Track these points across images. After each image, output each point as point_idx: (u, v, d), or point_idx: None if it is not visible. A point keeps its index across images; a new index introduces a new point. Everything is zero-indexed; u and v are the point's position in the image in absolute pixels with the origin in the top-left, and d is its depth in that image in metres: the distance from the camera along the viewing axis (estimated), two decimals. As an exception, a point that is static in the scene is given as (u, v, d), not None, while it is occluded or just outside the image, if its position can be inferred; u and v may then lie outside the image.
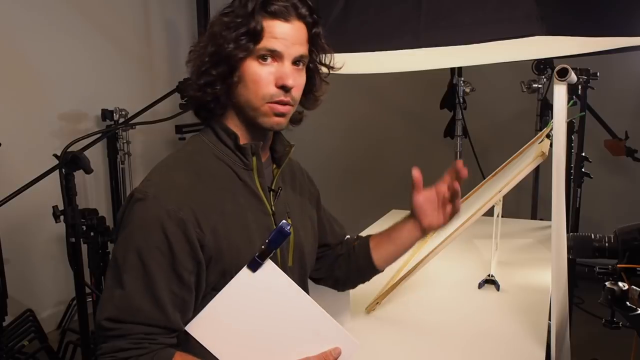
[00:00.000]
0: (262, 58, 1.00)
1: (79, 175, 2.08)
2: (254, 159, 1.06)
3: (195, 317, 0.98)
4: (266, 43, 0.99)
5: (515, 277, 1.82)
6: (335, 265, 1.33)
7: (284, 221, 0.98)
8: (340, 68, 1.15)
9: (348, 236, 1.40)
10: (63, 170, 2.00)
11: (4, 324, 2.53)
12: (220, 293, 0.97)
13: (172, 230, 0.93)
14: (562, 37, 1.48)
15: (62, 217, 2.09)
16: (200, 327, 0.98)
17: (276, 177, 1.12)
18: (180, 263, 0.94)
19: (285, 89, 1.01)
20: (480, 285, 1.74)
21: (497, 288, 1.72)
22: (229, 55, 0.99)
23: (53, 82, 3.23)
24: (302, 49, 1.03)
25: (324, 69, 1.14)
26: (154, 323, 0.94)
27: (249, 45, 0.99)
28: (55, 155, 2.04)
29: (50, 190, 2.32)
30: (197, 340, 0.97)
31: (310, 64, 1.09)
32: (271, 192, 1.10)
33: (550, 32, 1.40)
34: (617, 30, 1.49)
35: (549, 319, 1.46)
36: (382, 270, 1.33)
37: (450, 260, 1.98)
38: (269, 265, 0.98)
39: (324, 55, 1.11)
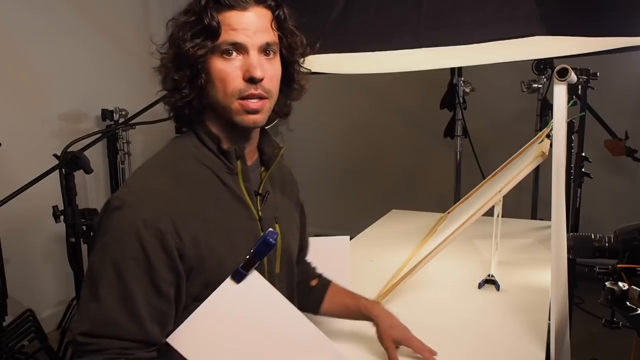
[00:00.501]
0: (226, 53, 0.95)
1: (79, 175, 2.08)
2: (239, 162, 1.02)
3: (177, 329, 0.94)
4: (226, 37, 0.94)
5: (515, 277, 1.82)
6: None
7: (270, 230, 0.96)
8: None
9: (310, 262, 1.38)
10: (63, 170, 2.00)
11: (4, 324, 2.53)
12: (203, 304, 0.94)
13: (149, 240, 0.89)
14: (562, 37, 1.48)
15: (62, 217, 2.09)
16: (182, 339, 0.94)
17: (264, 180, 1.08)
18: (158, 274, 0.90)
19: (253, 81, 0.95)
20: (480, 286, 1.74)
21: (497, 288, 1.72)
22: (189, 56, 0.95)
23: (53, 82, 3.23)
24: (267, 36, 0.97)
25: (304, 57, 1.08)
26: (131, 337, 0.90)
27: (207, 42, 0.94)
28: (55, 155, 2.05)
29: (50, 190, 2.32)
30: (178, 353, 0.94)
31: (283, 51, 1.03)
32: (258, 197, 1.06)
33: (550, 32, 1.40)
34: (617, 30, 1.49)
35: (549, 319, 1.46)
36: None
37: (450, 260, 1.98)
38: (254, 277, 0.95)
39: (296, 40, 1.04)
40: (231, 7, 0.95)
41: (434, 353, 1.26)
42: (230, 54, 0.96)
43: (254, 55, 0.96)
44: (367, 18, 1.61)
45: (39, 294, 3.17)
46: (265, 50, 0.98)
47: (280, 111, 1.09)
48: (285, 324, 0.99)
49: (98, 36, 3.50)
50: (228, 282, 0.94)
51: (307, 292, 1.32)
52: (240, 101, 0.97)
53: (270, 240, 0.93)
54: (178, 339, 0.94)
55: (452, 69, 3.25)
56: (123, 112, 3.36)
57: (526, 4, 1.42)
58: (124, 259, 0.89)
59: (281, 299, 0.98)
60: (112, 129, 3.20)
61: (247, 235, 1.01)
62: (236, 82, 0.96)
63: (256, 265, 0.95)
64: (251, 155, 1.07)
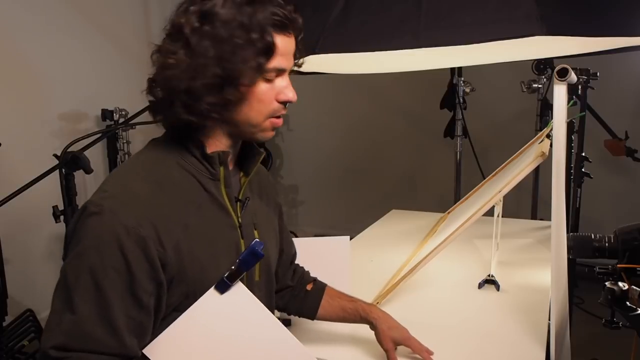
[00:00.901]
0: (270, 76, 0.94)
1: (79, 175, 2.08)
2: (222, 168, 0.99)
3: (156, 339, 0.91)
4: (275, 62, 0.93)
5: (515, 277, 1.82)
6: (280, 293, 1.29)
7: (256, 240, 0.94)
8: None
9: (302, 266, 1.38)
10: (63, 170, 2.00)
11: (4, 324, 2.53)
12: (184, 314, 0.91)
13: (131, 249, 0.85)
14: (562, 37, 1.48)
15: (62, 217, 2.09)
16: (160, 350, 0.91)
17: (244, 186, 1.05)
18: (139, 285, 0.86)
19: (286, 103, 0.98)
20: (480, 286, 1.74)
21: (497, 288, 1.72)
22: (239, 75, 0.90)
23: (53, 82, 3.23)
24: (293, 61, 0.99)
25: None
26: (107, 351, 0.85)
27: (263, 64, 0.91)
28: (55, 155, 2.05)
29: (50, 190, 2.32)
30: None
31: None
32: (238, 203, 1.03)
33: (550, 32, 1.40)
34: (617, 30, 1.49)
35: (549, 319, 1.46)
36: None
37: (450, 260, 1.98)
38: (239, 288, 0.93)
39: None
40: (284, 31, 0.93)
41: (431, 353, 1.27)
42: (272, 77, 0.95)
43: (287, 78, 0.98)
44: (367, 18, 1.60)
45: (39, 294, 3.17)
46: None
47: None
48: (267, 336, 0.97)
49: (98, 36, 3.50)
50: (211, 293, 0.92)
51: (303, 296, 1.31)
52: (272, 120, 0.98)
53: (258, 250, 0.91)
54: (156, 351, 0.91)
55: (452, 69, 3.25)
56: (123, 112, 3.36)
57: (526, 4, 1.42)
58: (103, 267, 0.84)
59: (264, 311, 0.97)
60: (112, 129, 3.21)
61: (228, 244, 0.99)
62: (273, 103, 0.96)
63: (242, 276, 0.93)
64: (231, 160, 1.05)
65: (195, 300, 0.92)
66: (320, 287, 1.33)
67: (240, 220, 1.03)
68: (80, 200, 2.13)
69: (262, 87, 0.94)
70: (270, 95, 0.96)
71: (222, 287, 0.92)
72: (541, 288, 1.71)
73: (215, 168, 0.98)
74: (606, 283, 1.09)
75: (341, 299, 1.32)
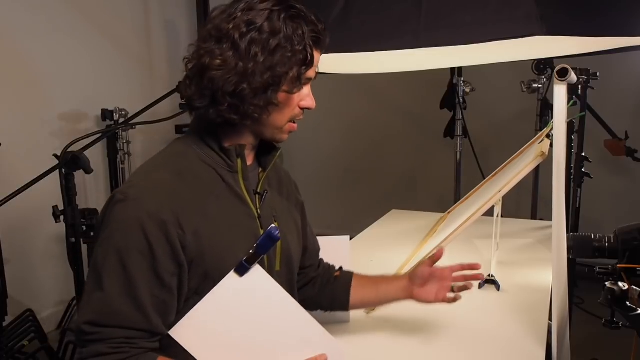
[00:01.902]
0: (302, 84, 1.02)
1: (79, 175, 2.08)
2: (239, 160, 1.05)
3: (180, 322, 0.96)
4: (309, 73, 1.02)
5: (515, 277, 1.82)
6: (308, 285, 1.32)
7: (273, 225, 0.99)
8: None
9: (329, 263, 1.39)
10: (63, 170, 2.00)
11: (4, 324, 2.53)
12: (206, 297, 0.96)
13: (153, 231, 0.92)
14: (562, 37, 1.48)
15: (62, 217, 2.09)
16: (184, 332, 0.96)
17: (262, 180, 1.11)
18: (161, 265, 0.93)
19: (304, 110, 1.05)
20: (480, 285, 1.74)
21: (497, 288, 1.72)
22: (283, 82, 0.99)
23: (53, 82, 3.23)
24: None
25: None
26: (134, 326, 0.92)
27: (302, 74, 1.00)
28: (55, 155, 2.05)
29: (50, 190, 2.32)
30: (180, 345, 0.96)
31: None
32: (257, 195, 1.09)
33: (550, 32, 1.40)
34: (617, 30, 1.49)
35: (549, 319, 1.45)
36: (349, 310, 1.35)
37: (450, 260, 1.97)
38: (257, 270, 0.98)
39: None
40: (317, 46, 1.02)
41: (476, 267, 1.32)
42: (302, 86, 1.03)
43: (309, 87, 1.06)
44: (367, 18, 1.60)
45: (39, 294, 3.17)
46: None
47: None
48: (285, 316, 1.01)
49: (98, 36, 3.50)
50: (232, 275, 0.97)
51: (333, 282, 1.33)
52: (290, 124, 1.06)
53: (274, 234, 0.96)
54: (180, 332, 0.96)
55: (452, 69, 3.25)
56: (123, 112, 3.36)
57: (526, 4, 1.42)
58: (128, 250, 0.91)
59: (281, 292, 1.01)
60: (112, 129, 3.21)
61: (246, 232, 1.04)
62: (296, 109, 1.05)
63: (259, 259, 0.98)
64: (250, 156, 1.11)
65: (214, 282, 0.97)
66: (348, 273, 1.35)
67: (259, 211, 1.08)
68: (79, 201, 2.14)
69: (294, 94, 1.02)
70: (296, 101, 1.04)
71: (242, 270, 0.97)
72: (541, 288, 1.71)
73: (232, 160, 1.04)
74: (606, 283, 1.09)
75: (369, 279, 1.34)
